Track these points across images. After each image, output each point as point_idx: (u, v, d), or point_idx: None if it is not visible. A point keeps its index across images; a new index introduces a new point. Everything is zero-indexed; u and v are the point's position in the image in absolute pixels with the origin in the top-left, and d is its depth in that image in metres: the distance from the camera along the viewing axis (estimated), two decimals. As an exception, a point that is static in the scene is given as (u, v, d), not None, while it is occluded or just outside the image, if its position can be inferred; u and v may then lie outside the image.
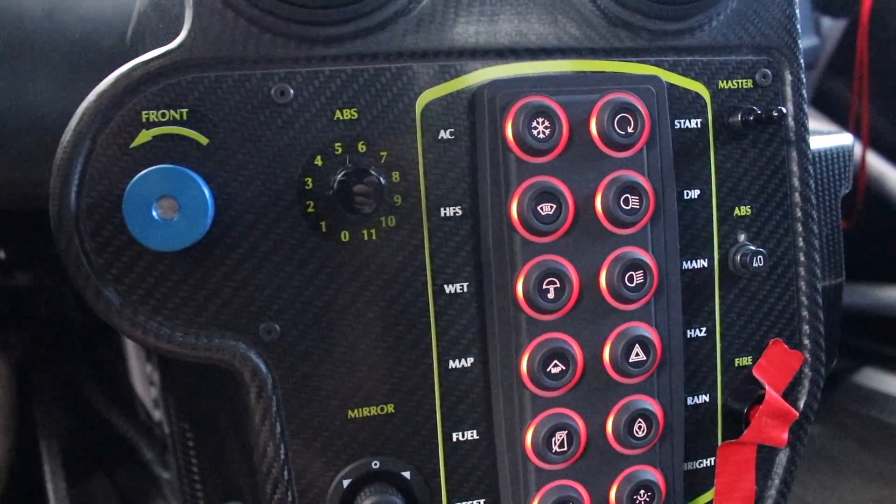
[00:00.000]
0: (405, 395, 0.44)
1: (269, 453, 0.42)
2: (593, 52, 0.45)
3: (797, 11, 0.49)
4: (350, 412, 0.43)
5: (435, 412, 0.44)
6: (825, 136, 0.57)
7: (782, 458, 0.51)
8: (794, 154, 0.49)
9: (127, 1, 0.53)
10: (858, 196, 1.16)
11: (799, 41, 0.49)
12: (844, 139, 0.58)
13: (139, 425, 0.82)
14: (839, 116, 1.19)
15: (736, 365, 0.49)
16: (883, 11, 1.11)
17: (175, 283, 0.40)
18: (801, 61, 0.49)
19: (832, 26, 1.12)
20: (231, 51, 0.41)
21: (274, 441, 0.42)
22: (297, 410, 0.42)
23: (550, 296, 0.42)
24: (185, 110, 0.40)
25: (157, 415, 0.78)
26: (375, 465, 0.43)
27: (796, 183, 0.49)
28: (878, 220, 1.17)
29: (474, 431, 0.45)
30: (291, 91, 0.41)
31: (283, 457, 0.42)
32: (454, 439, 0.44)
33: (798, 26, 0.49)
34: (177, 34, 0.40)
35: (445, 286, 0.44)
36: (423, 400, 0.44)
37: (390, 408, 0.44)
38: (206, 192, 0.39)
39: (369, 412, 0.43)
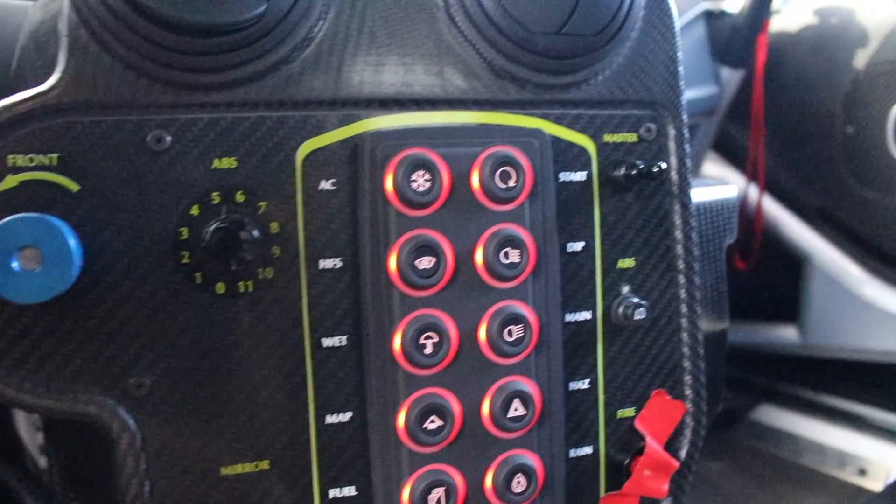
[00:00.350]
0: (281, 452, 0.42)
1: None
2: (479, 104, 0.45)
3: (680, 69, 0.50)
4: (223, 469, 0.41)
5: (311, 468, 0.42)
6: (711, 188, 0.58)
7: None
8: (677, 207, 0.50)
9: (13, 32, 0.51)
10: (755, 239, 1.21)
11: (682, 97, 0.50)
12: (729, 191, 0.59)
13: (23, 473, 0.77)
14: (739, 161, 1.24)
15: (619, 416, 0.49)
16: (777, 64, 1.16)
17: (38, 337, 0.38)
18: (685, 116, 0.50)
19: (731, 75, 1.17)
20: (106, 95, 0.39)
21: (142, 500, 0.40)
22: (166, 468, 0.40)
23: (428, 350, 0.42)
24: (54, 155, 0.38)
25: (43, 462, 0.74)
26: None
27: (679, 235, 0.50)
28: (774, 262, 1.21)
29: (352, 488, 0.43)
30: (168, 138, 0.40)
31: None
32: (331, 496, 0.43)
33: (681, 83, 0.50)
34: (53, 73, 0.39)
35: (323, 339, 0.42)
36: (299, 456, 0.42)
37: (265, 464, 0.42)
38: (73, 242, 0.37)
39: (243, 469, 0.41)
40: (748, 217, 1.21)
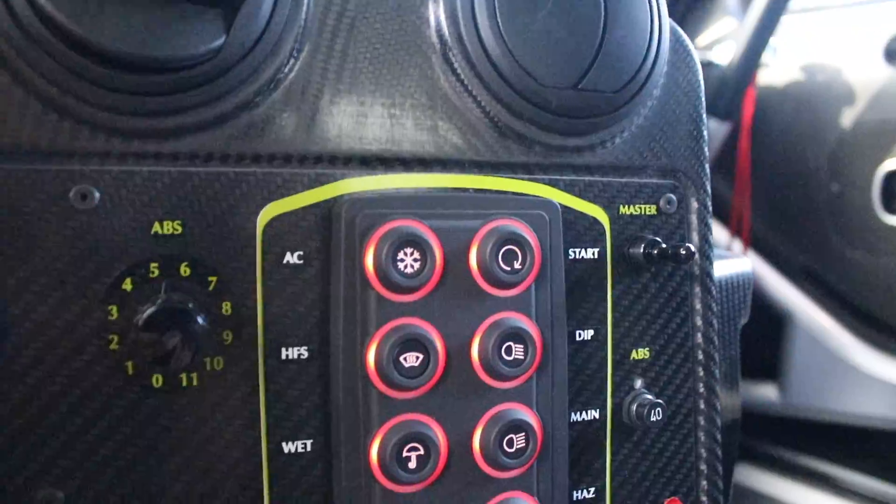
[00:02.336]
0: None
1: None
2: (478, 166, 0.38)
3: (706, 133, 0.44)
4: None
5: None
6: (724, 262, 0.53)
7: None
8: (697, 290, 0.44)
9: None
10: (739, 296, 1.17)
11: (706, 165, 0.44)
12: (744, 265, 0.54)
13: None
14: (723, 216, 1.21)
15: None
16: (763, 118, 1.14)
17: None
18: (709, 188, 0.44)
19: (718, 128, 1.14)
20: (19, 139, 0.32)
21: None
22: None
23: (412, 465, 0.34)
24: None
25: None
26: None
27: (699, 322, 0.44)
28: (757, 319, 1.17)
29: None
30: (97, 194, 0.33)
31: None
32: None
33: (706, 150, 0.44)
34: None
35: (284, 444, 0.35)
36: None
37: None
38: None
39: None
40: (732, 274, 1.17)
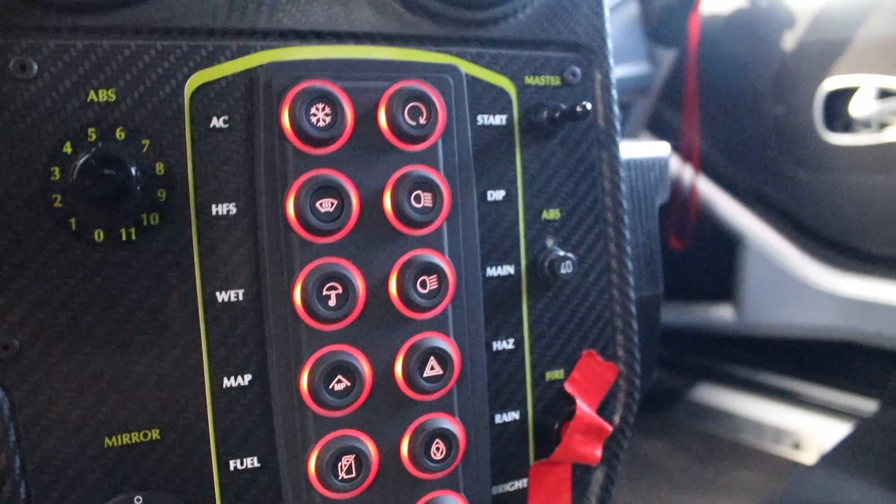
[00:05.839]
0: (172, 419, 0.38)
1: (5, 490, 0.35)
2: (388, 39, 0.41)
3: (606, 10, 0.47)
4: (107, 440, 0.37)
5: (208, 437, 0.38)
6: (641, 145, 0.56)
7: (598, 476, 0.49)
8: (604, 155, 0.47)
9: None
10: (690, 219, 1.21)
11: (609, 41, 0.47)
12: (661, 149, 0.57)
13: None
14: (673, 142, 1.23)
15: (547, 379, 0.46)
16: (709, 45, 1.16)
17: None
18: (611, 61, 0.47)
19: (664, 55, 1.16)
20: None
21: (12, 476, 0.35)
22: (39, 439, 0.36)
23: (332, 303, 0.38)
24: None
25: None
26: (139, 500, 0.37)
27: (607, 185, 0.47)
28: (709, 242, 1.21)
29: (254, 458, 0.39)
30: (35, 65, 0.35)
31: (23, 495, 0.35)
32: (231, 468, 0.39)
33: (607, 25, 0.47)
34: None
35: (218, 293, 0.38)
36: (194, 424, 0.38)
37: (155, 433, 0.37)
38: None
39: (130, 439, 0.37)
40: (683, 198, 1.20)
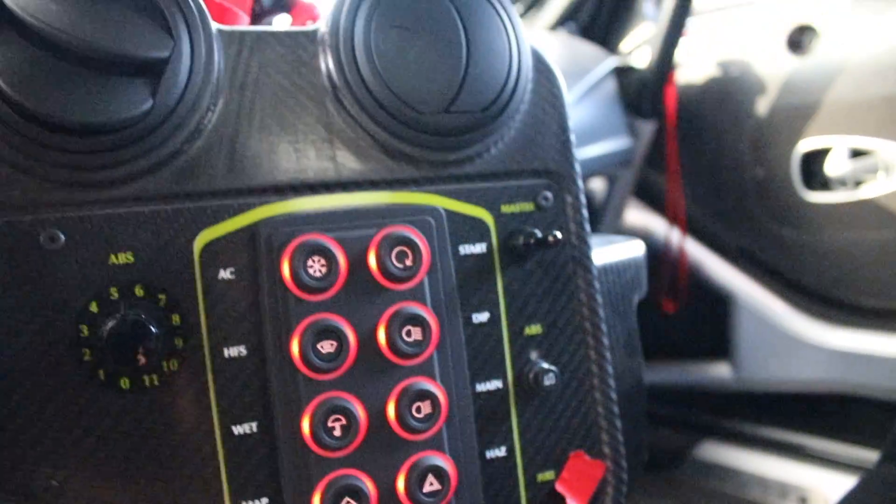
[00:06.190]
0: None
1: None
2: (373, 184, 0.46)
3: (572, 137, 0.52)
4: None
5: None
6: (617, 246, 0.60)
7: None
8: (579, 271, 0.51)
9: None
10: (681, 281, 1.24)
11: (576, 164, 0.52)
12: (636, 248, 0.61)
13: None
14: (660, 206, 1.27)
15: (539, 480, 0.49)
16: (688, 113, 1.21)
17: None
18: (580, 183, 0.52)
19: (644, 126, 1.21)
20: None
21: None
22: None
23: (337, 433, 0.41)
24: None
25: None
26: None
27: (583, 298, 0.51)
28: (702, 302, 1.24)
29: None
30: (62, 236, 0.40)
31: None
32: None
33: (574, 151, 0.52)
34: None
35: (233, 427, 0.42)
36: None
37: None
38: None
39: None
40: (672, 260, 1.24)
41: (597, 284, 0.51)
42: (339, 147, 0.45)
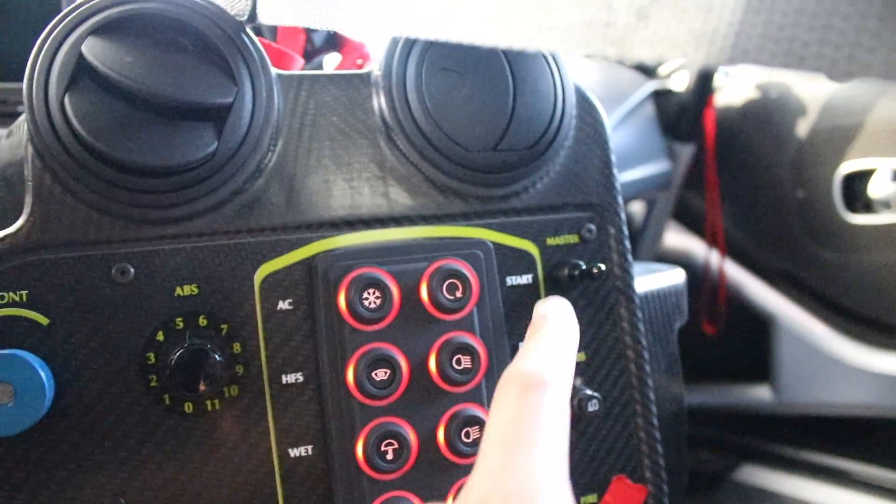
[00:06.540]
0: None
1: None
2: (425, 219, 0.48)
3: (615, 171, 0.54)
4: None
5: None
6: (659, 275, 0.62)
7: None
8: (622, 301, 0.52)
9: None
10: (720, 303, 1.24)
11: (619, 198, 0.53)
12: (677, 276, 0.63)
13: None
14: (699, 229, 1.28)
15: (582, 503, 0.51)
16: (727, 136, 1.22)
17: (11, 467, 0.40)
18: (622, 215, 0.53)
19: (683, 150, 1.22)
20: (71, 234, 0.42)
21: None
22: None
23: (389, 457, 0.43)
24: (24, 292, 0.41)
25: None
26: None
27: (626, 327, 0.52)
28: (743, 324, 1.24)
29: None
30: (132, 270, 0.42)
31: None
32: None
33: (617, 184, 0.53)
34: (22, 213, 0.42)
35: (290, 450, 0.44)
36: None
37: None
38: (44, 375, 0.39)
39: None
40: (712, 283, 1.24)
41: (639, 313, 0.53)
42: (391, 184, 0.47)
